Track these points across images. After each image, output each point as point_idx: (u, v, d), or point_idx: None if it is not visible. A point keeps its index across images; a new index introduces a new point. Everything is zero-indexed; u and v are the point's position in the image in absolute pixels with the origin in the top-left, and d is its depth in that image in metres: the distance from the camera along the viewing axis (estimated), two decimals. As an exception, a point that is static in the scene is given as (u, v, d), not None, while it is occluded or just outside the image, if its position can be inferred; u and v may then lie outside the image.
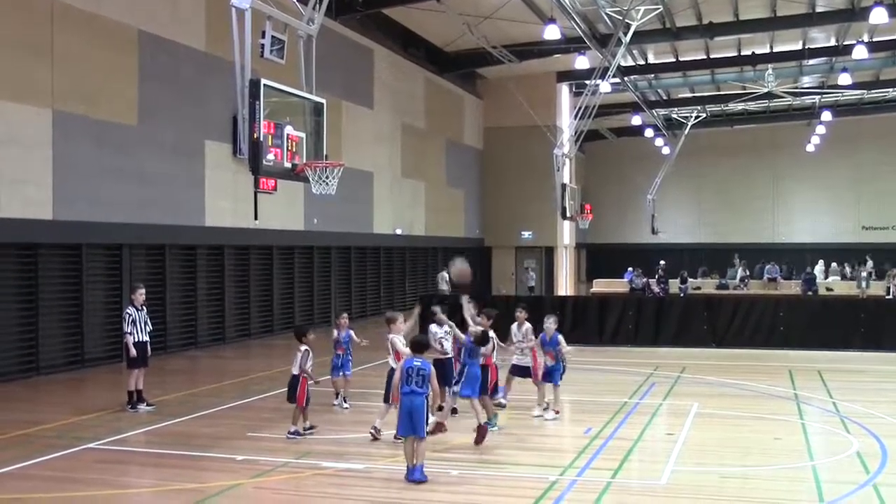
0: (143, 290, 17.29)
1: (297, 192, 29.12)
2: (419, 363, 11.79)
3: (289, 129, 15.76)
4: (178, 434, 14.67)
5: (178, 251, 25.79)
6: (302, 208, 30.99)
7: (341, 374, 16.52)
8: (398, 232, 39.07)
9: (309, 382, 14.20)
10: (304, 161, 15.97)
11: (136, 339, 16.63)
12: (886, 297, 38.11)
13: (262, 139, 14.60)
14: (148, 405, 16.65)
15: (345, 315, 17.38)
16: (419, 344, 12.35)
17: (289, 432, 14.08)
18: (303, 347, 14.30)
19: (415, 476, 11.41)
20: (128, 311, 16.78)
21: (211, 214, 26.64)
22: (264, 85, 14.60)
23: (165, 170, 24.79)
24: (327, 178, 16.16)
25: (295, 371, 14.23)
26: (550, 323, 15.74)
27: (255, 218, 27.43)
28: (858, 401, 17.22)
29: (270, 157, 15.09)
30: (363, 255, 36.63)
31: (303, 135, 16.14)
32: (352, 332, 16.66)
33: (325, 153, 16.74)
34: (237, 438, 14.19)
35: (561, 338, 15.67)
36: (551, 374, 15.66)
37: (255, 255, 29.24)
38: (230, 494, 11.09)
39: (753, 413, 16.28)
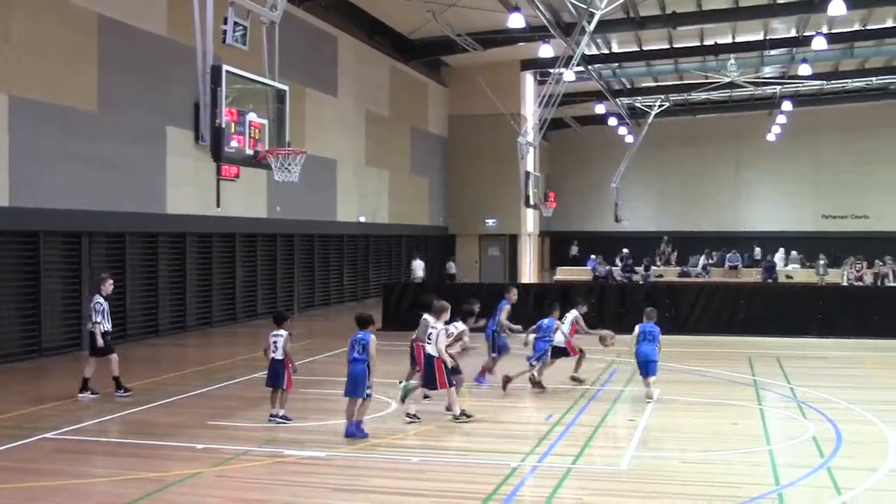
0: (111, 281, 17.41)
1: (260, 180, 29.02)
2: (361, 335, 13.28)
3: (251, 116, 15.67)
4: (138, 423, 14.60)
5: (139, 239, 25.60)
6: (265, 196, 30.84)
7: None
8: (362, 220, 38.99)
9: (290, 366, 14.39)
10: (267, 148, 15.90)
11: (104, 329, 16.68)
12: (843, 284, 38.54)
13: (224, 126, 14.51)
14: (93, 393, 16.61)
15: None
16: (362, 320, 13.57)
17: (271, 415, 14.24)
18: (284, 332, 14.31)
19: (351, 430, 13.07)
20: (98, 300, 16.77)
21: (172, 202, 26.44)
22: (226, 71, 14.49)
23: (126, 156, 24.55)
24: (290, 165, 16.10)
25: (279, 356, 14.22)
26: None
27: (218, 205, 27.41)
28: (816, 386, 17.44)
29: (234, 144, 15.01)
30: (326, 243, 36.54)
31: (265, 122, 16.05)
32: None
33: (287, 140, 16.67)
34: (198, 427, 14.14)
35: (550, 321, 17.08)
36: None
37: (218, 242, 29.08)
38: (190, 483, 11.06)
39: (713, 399, 16.43)
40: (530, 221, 51.05)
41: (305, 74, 32.59)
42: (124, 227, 24.59)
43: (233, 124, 14.88)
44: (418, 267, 39.96)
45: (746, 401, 16.31)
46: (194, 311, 27.90)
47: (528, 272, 50.94)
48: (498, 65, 46.07)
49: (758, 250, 52.91)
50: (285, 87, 16.68)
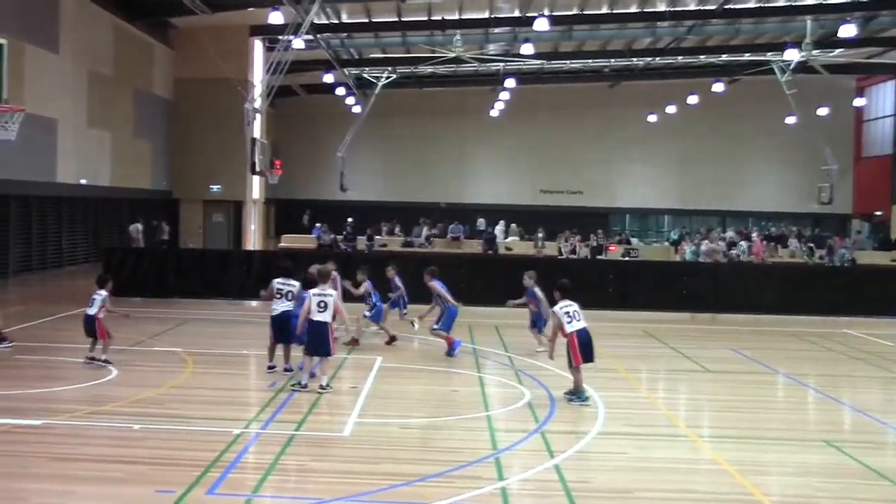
0: None
1: (-30, 138, 27.45)
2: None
3: (-36, 71, 14.96)
4: None
5: None
6: (-24, 154, 29.19)
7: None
8: (82, 182, 37.55)
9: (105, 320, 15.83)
10: (-19, 105, 15.23)
11: None
12: (559, 256, 40.56)
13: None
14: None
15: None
16: (322, 274, 14.74)
17: (102, 359, 15.61)
18: (104, 293, 15.87)
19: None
20: None
21: None
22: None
23: None
24: (6, 123, 15.55)
25: (92, 312, 15.64)
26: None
27: (-76, 163, 25.76)
28: (531, 354, 18.51)
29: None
30: (45, 206, 34.98)
31: (-21, 78, 15.36)
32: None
33: (4, 97, 16.02)
34: None
35: None
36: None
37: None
38: None
39: (434, 367, 17.11)
40: (256, 188, 50.69)
41: (24, 30, 30.92)
42: None
43: (-57, 78, 14.17)
44: (135, 231, 38.90)
45: (466, 369, 17.04)
46: None
47: (253, 239, 50.62)
48: (226, 29, 45.34)
49: (481, 221, 54.74)
50: (2, 42, 16.01)
